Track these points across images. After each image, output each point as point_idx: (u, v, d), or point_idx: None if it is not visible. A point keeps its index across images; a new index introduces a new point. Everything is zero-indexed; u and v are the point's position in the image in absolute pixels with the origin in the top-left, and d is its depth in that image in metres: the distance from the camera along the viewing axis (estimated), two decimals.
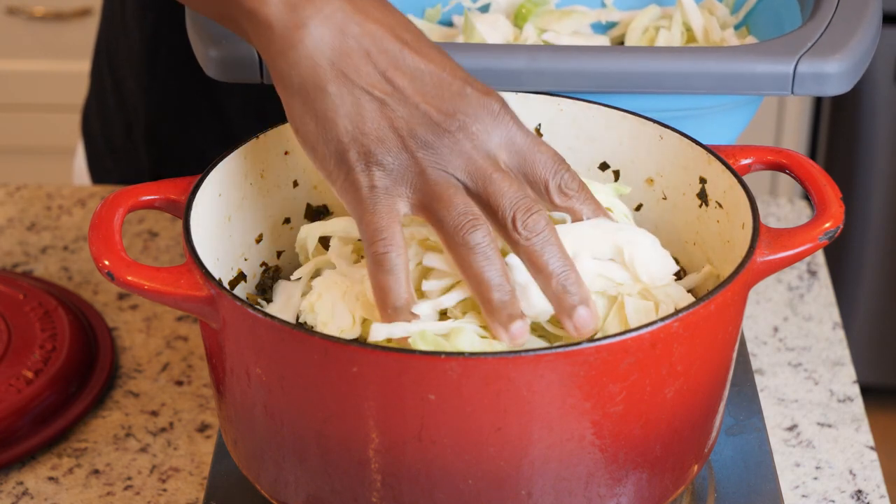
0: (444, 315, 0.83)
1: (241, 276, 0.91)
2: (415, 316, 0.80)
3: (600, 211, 0.85)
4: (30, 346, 1.06)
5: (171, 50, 1.29)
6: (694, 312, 0.78)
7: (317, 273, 0.88)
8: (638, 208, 0.95)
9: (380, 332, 0.80)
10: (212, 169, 0.88)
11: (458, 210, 0.80)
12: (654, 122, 0.92)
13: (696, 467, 0.85)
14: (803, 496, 0.99)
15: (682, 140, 0.91)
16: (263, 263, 0.93)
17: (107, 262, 0.82)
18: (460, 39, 1.08)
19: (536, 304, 0.82)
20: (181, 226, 0.84)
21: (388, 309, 0.80)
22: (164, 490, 0.99)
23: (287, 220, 0.94)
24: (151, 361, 1.09)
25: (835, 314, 1.16)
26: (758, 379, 1.08)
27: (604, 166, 0.95)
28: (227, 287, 0.85)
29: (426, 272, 0.84)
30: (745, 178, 0.89)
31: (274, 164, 0.92)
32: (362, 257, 0.88)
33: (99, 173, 1.41)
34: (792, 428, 1.04)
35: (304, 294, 0.88)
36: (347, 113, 0.81)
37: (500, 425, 0.77)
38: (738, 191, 0.87)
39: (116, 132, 1.38)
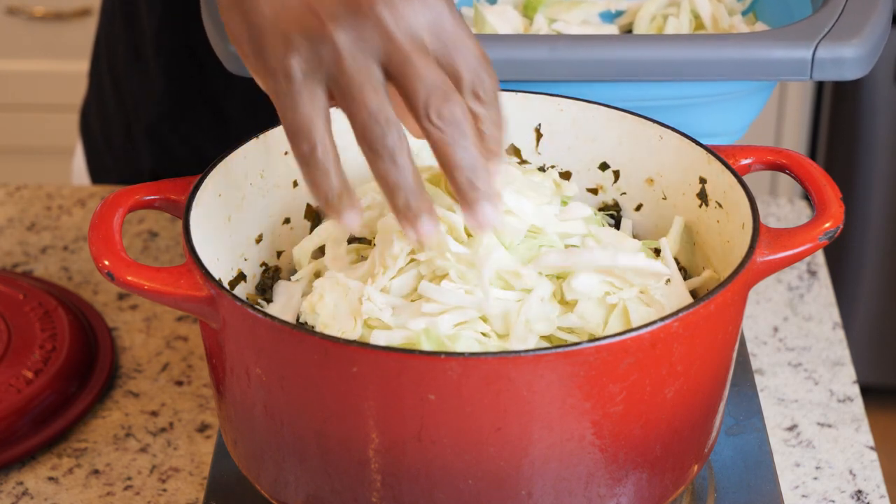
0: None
1: (241, 277, 0.91)
2: (356, 200, 0.78)
3: (499, 130, 0.80)
4: (30, 346, 1.06)
5: (170, 50, 1.29)
6: (694, 312, 0.78)
7: (318, 274, 0.89)
8: (638, 208, 0.95)
9: (378, 340, 0.80)
10: (212, 169, 0.88)
11: (370, 109, 0.76)
12: (654, 122, 0.92)
13: (696, 467, 0.85)
14: (803, 496, 0.99)
15: (682, 140, 0.91)
16: (263, 263, 0.93)
17: (107, 262, 0.82)
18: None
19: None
20: (181, 226, 0.84)
21: (325, 205, 0.78)
22: (164, 490, 0.98)
23: (287, 220, 0.94)
24: (151, 361, 1.09)
25: (835, 314, 1.16)
26: (758, 379, 1.08)
27: (604, 166, 0.95)
28: (227, 287, 0.85)
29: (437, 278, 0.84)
30: (745, 178, 0.89)
31: (274, 164, 0.92)
32: (362, 257, 0.88)
33: (98, 173, 1.41)
34: (792, 428, 1.04)
35: (304, 295, 0.88)
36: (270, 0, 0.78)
37: (500, 425, 0.76)
38: (738, 191, 0.87)
39: (116, 132, 1.38)
